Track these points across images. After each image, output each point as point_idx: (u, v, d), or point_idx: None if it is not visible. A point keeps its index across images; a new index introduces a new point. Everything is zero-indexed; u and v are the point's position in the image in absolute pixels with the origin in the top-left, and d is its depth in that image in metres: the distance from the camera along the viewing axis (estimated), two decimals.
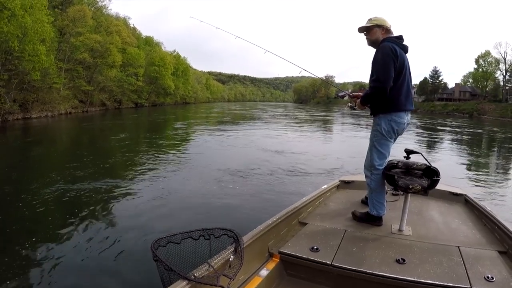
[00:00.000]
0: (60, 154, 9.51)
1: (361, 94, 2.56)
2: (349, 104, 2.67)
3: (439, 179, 2.11)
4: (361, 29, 2.38)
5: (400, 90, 2.22)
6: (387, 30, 2.31)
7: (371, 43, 2.36)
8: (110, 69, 33.20)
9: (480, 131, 20.82)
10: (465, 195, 2.93)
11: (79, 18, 28.02)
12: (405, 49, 2.26)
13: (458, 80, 62.92)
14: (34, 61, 18.81)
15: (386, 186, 2.40)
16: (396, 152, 2.57)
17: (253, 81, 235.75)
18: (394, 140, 2.38)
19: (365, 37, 2.38)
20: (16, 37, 16.78)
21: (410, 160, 2.28)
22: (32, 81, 20.54)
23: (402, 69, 2.20)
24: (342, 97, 2.74)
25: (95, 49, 29.93)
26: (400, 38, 2.29)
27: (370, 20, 2.35)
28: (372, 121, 2.42)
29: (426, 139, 15.29)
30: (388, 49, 2.15)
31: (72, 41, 27.50)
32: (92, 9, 33.35)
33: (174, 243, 1.45)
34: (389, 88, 2.15)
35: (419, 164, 2.15)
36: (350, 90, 2.78)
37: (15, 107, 19.72)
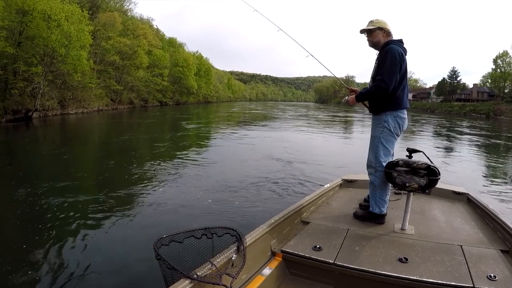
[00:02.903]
0: (89, 148, 9.90)
1: (359, 90, 2.56)
2: (346, 97, 2.64)
3: (438, 179, 2.02)
4: (363, 31, 2.40)
5: (404, 90, 2.29)
6: (388, 33, 2.34)
7: (373, 44, 2.38)
8: (137, 70, 34.15)
9: (490, 133, 19.53)
10: (468, 194, 2.82)
11: (110, 24, 29.03)
12: (405, 52, 2.32)
13: (478, 81, 59.61)
14: (76, 65, 20.22)
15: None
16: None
17: (275, 80, 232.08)
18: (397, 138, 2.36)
19: (367, 38, 2.40)
20: (62, 44, 18.30)
21: (411, 159, 2.19)
22: (70, 81, 21.85)
23: (405, 71, 2.28)
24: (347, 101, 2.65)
25: (124, 52, 30.85)
26: (402, 41, 2.33)
27: (372, 22, 2.36)
28: (371, 119, 2.41)
29: (433, 138, 14.63)
30: (397, 54, 2.19)
31: (103, 45, 28.50)
32: (121, 14, 34.39)
33: (176, 242, 1.43)
34: (391, 89, 2.20)
35: (420, 163, 2.06)
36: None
37: (55, 104, 20.92)
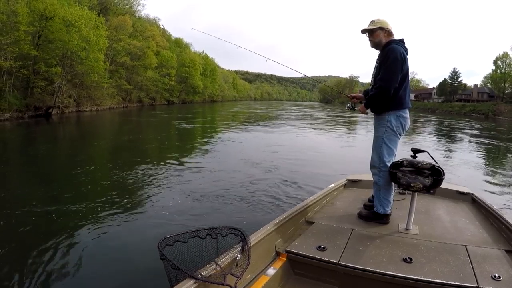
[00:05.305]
0: (101, 145, 9.96)
1: (360, 95, 2.51)
2: (348, 104, 2.59)
3: (442, 179, 1.96)
4: (364, 31, 2.32)
5: (405, 90, 2.22)
6: (389, 33, 2.26)
7: (374, 45, 2.30)
8: (146, 70, 34.40)
9: (490, 132, 19.09)
10: (472, 194, 2.74)
11: (121, 27, 29.33)
12: (407, 52, 2.24)
13: (480, 82, 58.60)
14: (94, 66, 20.87)
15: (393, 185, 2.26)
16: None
17: (280, 80, 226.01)
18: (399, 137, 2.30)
19: (368, 39, 2.31)
20: (82, 48, 19.16)
21: (416, 159, 2.12)
22: (87, 81, 22.44)
23: (407, 71, 2.21)
24: (351, 107, 2.60)
25: (134, 53, 31.09)
26: (403, 41, 2.25)
27: (373, 22, 2.27)
28: (374, 120, 2.34)
29: (435, 138, 14.39)
30: (399, 54, 2.13)
31: (114, 46, 28.75)
32: (131, 16, 34.61)
33: (181, 242, 1.38)
34: (392, 89, 2.13)
35: (425, 163, 1.99)
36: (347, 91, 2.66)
37: (72, 101, 21.41)
